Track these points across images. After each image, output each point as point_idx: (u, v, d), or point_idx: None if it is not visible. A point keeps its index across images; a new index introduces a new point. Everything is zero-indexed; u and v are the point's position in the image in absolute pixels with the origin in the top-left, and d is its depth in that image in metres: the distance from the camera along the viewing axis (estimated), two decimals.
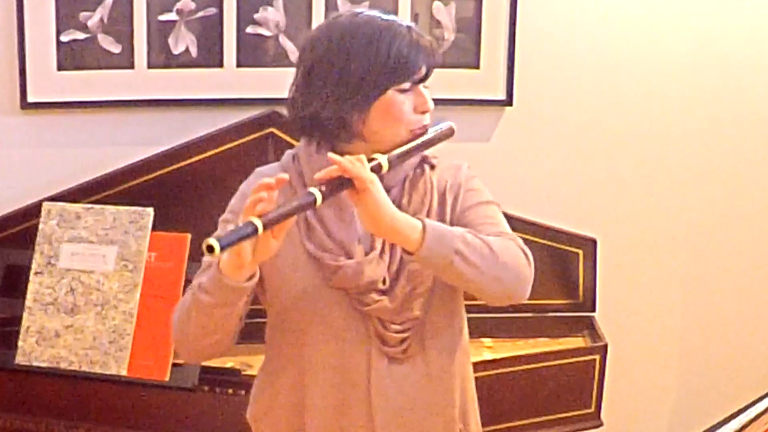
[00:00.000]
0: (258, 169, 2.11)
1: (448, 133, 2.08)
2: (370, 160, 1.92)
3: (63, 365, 2.80)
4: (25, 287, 2.86)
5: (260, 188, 1.83)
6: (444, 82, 2.05)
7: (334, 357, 2.02)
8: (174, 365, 2.77)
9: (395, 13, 3.09)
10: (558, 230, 3.30)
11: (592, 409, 3.23)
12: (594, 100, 3.63)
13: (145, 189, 3.02)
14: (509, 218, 2.09)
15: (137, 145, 3.12)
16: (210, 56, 3.22)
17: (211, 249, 1.73)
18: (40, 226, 2.89)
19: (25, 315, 2.84)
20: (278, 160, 2.13)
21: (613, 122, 3.67)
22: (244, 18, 3.22)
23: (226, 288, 1.88)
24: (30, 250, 2.88)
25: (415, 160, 2.06)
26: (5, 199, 3.06)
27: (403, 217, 1.90)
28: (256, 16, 3.24)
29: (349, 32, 1.98)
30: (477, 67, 3.43)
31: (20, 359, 2.82)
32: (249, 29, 3.24)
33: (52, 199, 2.95)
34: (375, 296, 1.99)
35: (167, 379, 2.76)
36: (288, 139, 3.02)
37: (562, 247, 3.31)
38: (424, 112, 2.01)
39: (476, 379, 2.20)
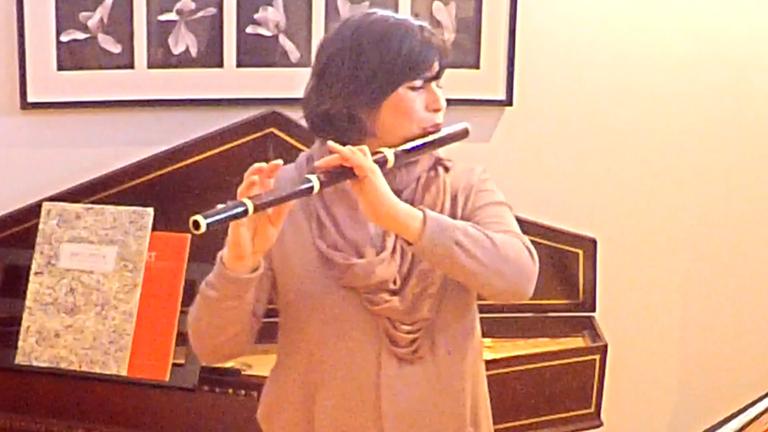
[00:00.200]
0: None
1: (462, 134, 2.07)
2: (375, 153, 1.91)
3: (63, 365, 2.80)
4: (25, 287, 2.85)
5: (252, 172, 1.84)
6: (444, 82, 2.05)
7: (343, 357, 2.02)
8: (174, 365, 2.77)
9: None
10: (558, 230, 3.30)
11: (592, 409, 3.23)
12: (594, 100, 3.63)
13: (145, 189, 3.02)
14: None
15: (137, 145, 3.12)
16: (210, 56, 3.22)
17: (197, 225, 1.71)
18: (40, 226, 2.89)
19: (25, 315, 2.84)
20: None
21: (613, 122, 3.67)
22: (244, 18, 3.22)
23: (230, 280, 1.88)
24: (30, 250, 2.88)
25: (429, 161, 2.06)
26: (5, 199, 3.05)
27: (404, 207, 1.89)
28: (256, 16, 3.24)
29: (360, 30, 1.99)
30: (477, 67, 3.43)
31: (20, 359, 2.82)
32: (249, 29, 3.24)
33: (52, 199, 2.95)
34: (385, 296, 1.99)
35: (167, 379, 2.76)
36: (288, 139, 3.02)
37: (562, 247, 3.31)
38: (436, 110, 2.01)
39: None
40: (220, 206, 1.78)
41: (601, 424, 3.27)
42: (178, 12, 3.18)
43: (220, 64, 3.23)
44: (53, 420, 2.78)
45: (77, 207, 2.90)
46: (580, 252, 3.33)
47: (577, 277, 3.35)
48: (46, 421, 2.79)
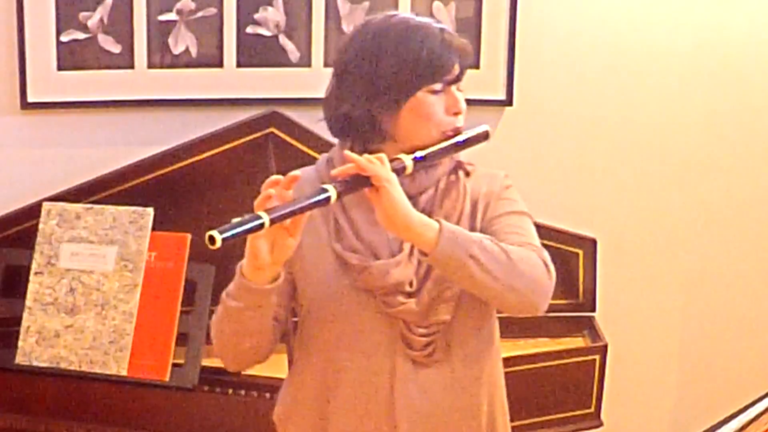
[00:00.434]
0: (293, 172, 2.07)
1: (482, 137, 2.05)
2: (393, 160, 1.90)
3: (63, 365, 2.80)
4: (25, 287, 2.86)
5: (269, 185, 1.82)
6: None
7: (358, 359, 2.01)
8: (174, 365, 2.77)
9: None
10: (558, 230, 3.30)
11: (592, 409, 3.23)
12: (594, 99, 3.63)
13: (145, 189, 3.02)
14: None
15: (137, 145, 3.12)
16: (210, 56, 3.22)
17: (212, 240, 1.69)
18: (40, 226, 2.89)
19: (25, 315, 2.84)
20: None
21: (613, 122, 3.67)
22: (244, 18, 3.22)
23: (250, 291, 1.88)
24: (30, 250, 2.88)
25: (449, 165, 2.04)
26: (5, 199, 3.06)
27: (419, 217, 1.88)
28: (256, 16, 3.24)
29: (381, 32, 1.97)
30: (477, 67, 3.43)
31: (20, 359, 2.82)
32: (249, 29, 3.24)
33: (52, 199, 2.95)
34: (401, 298, 1.97)
35: (167, 379, 2.76)
36: (288, 139, 3.02)
37: (562, 247, 3.31)
38: (456, 114, 1.99)
39: None
40: (235, 220, 1.76)
41: (601, 424, 3.27)
42: (178, 12, 3.18)
43: (220, 64, 3.23)
44: (53, 420, 2.78)
45: (77, 207, 2.90)
46: (580, 252, 3.33)
47: (577, 277, 3.35)
48: (46, 421, 2.79)
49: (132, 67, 3.17)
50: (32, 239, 2.88)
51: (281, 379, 2.71)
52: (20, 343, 2.82)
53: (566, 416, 3.19)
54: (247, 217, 1.75)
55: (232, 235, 1.71)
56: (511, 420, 2.22)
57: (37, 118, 3.14)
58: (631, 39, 3.63)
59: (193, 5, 3.18)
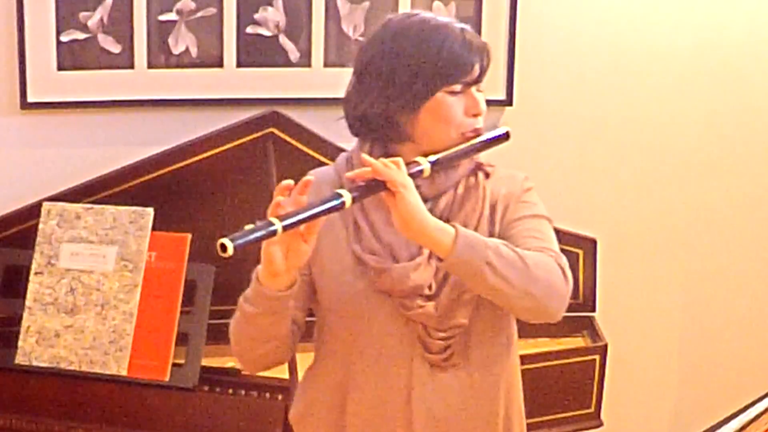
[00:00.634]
0: (311, 172, 2.03)
1: (503, 138, 2.03)
2: (410, 163, 1.89)
3: (63, 365, 2.80)
4: (25, 287, 2.85)
5: (281, 190, 1.80)
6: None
7: (376, 361, 2.00)
8: (174, 365, 2.77)
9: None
10: (558, 230, 3.29)
11: (592, 409, 3.23)
12: (594, 100, 3.63)
13: (145, 189, 3.01)
14: None
15: (137, 145, 3.12)
16: (210, 56, 3.22)
17: (224, 248, 1.66)
18: (40, 226, 2.89)
19: (25, 315, 2.84)
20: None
21: (613, 122, 3.67)
22: (244, 18, 3.22)
23: (266, 297, 1.87)
24: (30, 250, 2.88)
25: (469, 166, 2.02)
26: (5, 199, 3.05)
27: (435, 223, 1.86)
28: (256, 16, 3.24)
29: (401, 32, 1.95)
30: None
31: (20, 359, 2.82)
32: (249, 29, 3.24)
33: (52, 199, 2.95)
34: (420, 301, 1.95)
35: (167, 379, 2.76)
36: (288, 139, 3.02)
37: (562, 247, 3.28)
38: (475, 115, 1.98)
39: None
40: (248, 227, 1.73)
41: (601, 424, 3.27)
42: (178, 12, 3.18)
43: (220, 64, 3.23)
44: (53, 420, 2.78)
45: (77, 207, 2.90)
46: (580, 252, 3.33)
47: (577, 277, 3.35)
48: (46, 421, 2.78)
49: (132, 67, 3.17)
50: (32, 239, 2.88)
51: (282, 379, 2.72)
52: (20, 343, 2.82)
53: (566, 416, 3.19)
54: (259, 223, 1.72)
55: (244, 242, 1.69)
56: None
57: (37, 118, 3.14)
58: (631, 39, 3.63)
59: (193, 5, 3.18)
